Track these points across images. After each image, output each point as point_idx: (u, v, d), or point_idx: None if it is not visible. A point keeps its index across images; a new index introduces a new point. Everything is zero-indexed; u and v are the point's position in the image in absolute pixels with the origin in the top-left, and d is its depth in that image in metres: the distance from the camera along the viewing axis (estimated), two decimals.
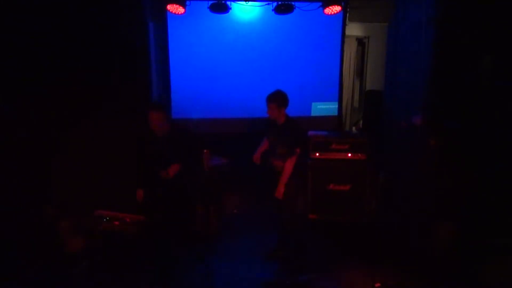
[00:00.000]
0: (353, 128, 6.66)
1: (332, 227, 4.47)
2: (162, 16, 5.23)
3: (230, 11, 5.12)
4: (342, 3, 4.93)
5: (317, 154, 4.55)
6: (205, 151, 3.33)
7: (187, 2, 4.83)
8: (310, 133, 4.64)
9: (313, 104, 5.89)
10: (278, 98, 3.56)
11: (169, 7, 4.72)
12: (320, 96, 5.89)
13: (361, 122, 6.57)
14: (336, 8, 4.91)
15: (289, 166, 3.54)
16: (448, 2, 4.00)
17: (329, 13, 4.98)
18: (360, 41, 6.44)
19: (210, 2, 4.97)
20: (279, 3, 5.07)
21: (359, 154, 4.53)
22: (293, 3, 5.04)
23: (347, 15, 5.70)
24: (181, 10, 4.77)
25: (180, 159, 3.41)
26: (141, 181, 3.52)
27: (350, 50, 6.36)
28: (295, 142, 3.55)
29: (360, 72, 6.62)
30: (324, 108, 5.95)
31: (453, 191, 3.96)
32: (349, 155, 4.54)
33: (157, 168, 3.43)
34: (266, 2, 5.27)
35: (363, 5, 5.64)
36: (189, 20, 5.27)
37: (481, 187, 3.87)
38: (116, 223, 3.28)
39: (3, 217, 3.81)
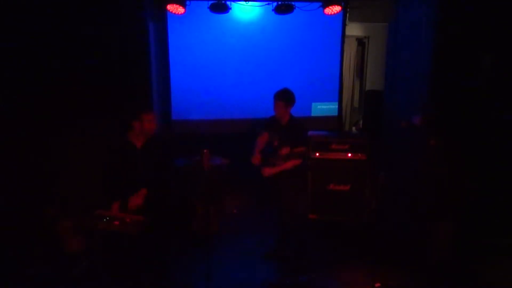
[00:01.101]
0: (353, 128, 6.67)
1: (332, 227, 4.47)
2: (162, 16, 5.23)
3: (230, 11, 5.12)
4: (342, 3, 4.93)
5: (317, 154, 4.55)
6: (205, 151, 3.31)
7: (187, 2, 4.82)
8: (310, 133, 4.63)
9: (313, 104, 5.89)
10: (286, 96, 3.56)
11: (169, 7, 4.72)
12: (320, 96, 5.89)
13: (361, 122, 6.57)
14: (336, 8, 4.91)
15: (292, 163, 3.53)
16: (448, 2, 4.01)
17: (329, 13, 4.98)
18: (360, 41, 6.45)
19: (210, 2, 4.97)
20: (279, 3, 5.06)
21: (359, 154, 4.52)
22: (293, 3, 5.03)
23: (347, 15, 5.70)
24: (181, 10, 4.77)
25: (149, 177, 3.35)
26: (116, 195, 3.36)
27: (350, 50, 6.36)
28: (299, 141, 3.54)
29: (360, 72, 6.62)
30: (324, 108, 5.95)
31: (453, 191, 3.96)
32: (349, 155, 4.54)
33: (124, 191, 3.33)
34: (266, 2, 5.27)
35: (363, 5, 5.64)
36: (189, 20, 5.27)
37: (481, 187, 3.87)
38: (116, 223, 3.27)
39: (3, 217, 3.81)
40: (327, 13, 5.00)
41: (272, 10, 5.16)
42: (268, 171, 3.56)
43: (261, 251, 3.99)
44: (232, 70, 5.61)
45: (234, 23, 5.45)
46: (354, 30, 6.11)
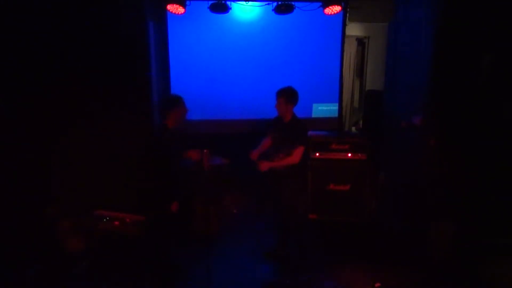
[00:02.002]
0: (353, 128, 6.67)
1: (332, 227, 4.47)
2: (162, 16, 5.23)
3: (230, 11, 5.12)
4: (342, 3, 4.93)
5: (317, 154, 4.55)
6: (205, 151, 3.33)
7: (187, 2, 4.82)
8: (310, 133, 4.64)
9: (314, 105, 5.89)
10: (287, 93, 3.57)
11: (169, 7, 4.72)
12: (321, 97, 5.89)
13: (361, 122, 6.57)
14: (336, 8, 4.91)
15: (291, 159, 3.51)
16: (448, 2, 4.00)
17: (329, 13, 4.98)
18: (360, 41, 6.44)
19: (210, 2, 4.97)
20: (279, 3, 5.06)
21: (359, 154, 4.53)
22: (293, 3, 5.03)
23: (347, 15, 5.70)
24: (181, 10, 4.77)
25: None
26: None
27: (350, 50, 6.36)
28: (299, 140, 3.54)
29: (360, 72, 6.61)
30: (325, 109, 5.94)
31: (453, 191, 3.96)
32: (349, 155, 4.54)
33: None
34: (266, 2, 5.27)
35: (363, 5, 5.64)
36: (189, 20, 5.27)
37: (481, 187, 3.87)
38: (116, 223, 3.29)
39: (3, 217, 3.81)
40: (327, 13, 5.00)
41: (272, 10, 5.16)
42: (264, 165, 3.57)
43: (261, 251, 3.99)
44: (232, 70, 5.61)
45: (234, 23, 5.45)
46: (354, 30, 6.10)
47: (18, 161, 4.00)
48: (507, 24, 3.79)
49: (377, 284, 3.29)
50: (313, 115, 5.90)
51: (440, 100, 4.10)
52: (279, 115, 3.70)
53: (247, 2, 5.22)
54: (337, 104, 5.97)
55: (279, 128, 3.67)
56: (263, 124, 5.37)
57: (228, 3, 5.04)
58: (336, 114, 5.99)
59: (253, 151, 3.72)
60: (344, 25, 5.71)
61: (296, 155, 3.50)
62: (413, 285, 3.45)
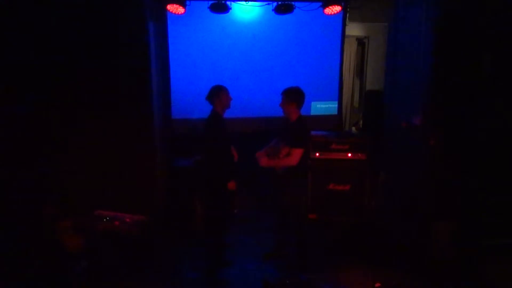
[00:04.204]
0: (353, 128, 6.67)
1: (332, 227, 4.47)
2: (162, 16, 5.22)
3: (230, 11, 5.11)
4: (342, 3, 4.92)
5: (317, 154, 4.55)
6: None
7: (187, 2, 4.82)
8: (310, 132, 4.64)
9: (313, 103, 5.89)
10: (287, 92, 3.60)
11: (169, 7, 4.71)
12: (320, 95, 5.88)
13: (361, 122, 6.57)
14: (336, 8, 4.91)
15: (289, 161, 3.50)
16: (448, 2, 4.01)
17: (329, 13, 4.98)
18: (360, 41, 6.44)
19: (210, 2, 4.96)
20: (279, 3, 5.06)
21: (359, 154, 4.53)
22: (293, 3, 5.03)
23: (347, 15, 5.69)
24: (181, 10, 4.76)
25: None
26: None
27: (350, 50, 6.36)
28: (295, 141, 3.52)
29: (360, 72, 6.62)
30: (324, 107, 5.94)
31: (453, 191, 3.96)
32: (349, 155, 4.54)
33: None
34: (266, 2, 5.26)
35: (363, 5, 5.64)
36: (189, 20, 5.26)
37: (481, 187, 3.87)
38: (116, 223, 3.28)
39: (3, 216, 3.81)
40: (327, 13, 4.99)
41: (272, 10, 5.16)
42: (263, 161, 3.59)
43: (261, 251, 3.99)
44: (232, 70, 5.60)
45: (234, 23, 5.44)
46: (354, 30, 6.10)
47: (18, 160, 4.00)
48: (507, 23, 3.79)
49: (377, 284, 3.29)
50: (312, 113, 5.89)
51: (440, 100, 4.10)
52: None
53: (247, 2, 5.22)
54: (335, 102, 5.97)
55: (284, 127, 3.69)
56: (262, 123, 5.37)
57: (228, 3, 5.04)
58: (335, 112, 5.99)
59: (260, 152, 3.74)
60: (344, 25, 5.71)
61: (294, 157, 3.48)
62: (413, 285, 3.45)
